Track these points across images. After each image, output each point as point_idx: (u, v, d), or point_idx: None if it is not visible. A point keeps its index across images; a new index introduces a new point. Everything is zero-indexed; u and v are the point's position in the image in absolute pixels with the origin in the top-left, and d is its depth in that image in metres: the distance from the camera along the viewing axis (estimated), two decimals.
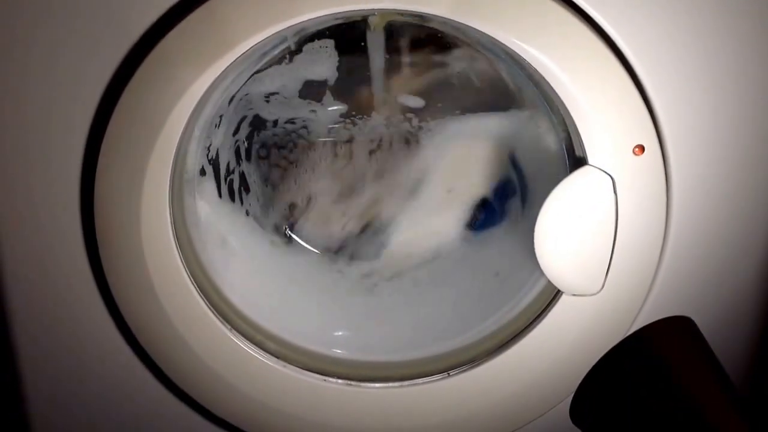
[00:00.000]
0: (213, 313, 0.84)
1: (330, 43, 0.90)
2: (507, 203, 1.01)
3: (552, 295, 0.86)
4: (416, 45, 0.93)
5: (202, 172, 0.91)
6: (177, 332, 0.83)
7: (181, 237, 0.83)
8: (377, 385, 0.89)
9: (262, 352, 0.87)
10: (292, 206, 1.02)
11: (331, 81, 0.93)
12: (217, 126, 0.91)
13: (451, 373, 0.88)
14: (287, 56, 0.90)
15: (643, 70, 0.77)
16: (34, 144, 0.76)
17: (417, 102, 0.97)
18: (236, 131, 0.96)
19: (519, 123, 0.97)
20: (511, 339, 0.87)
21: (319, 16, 0.74)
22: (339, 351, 0.92)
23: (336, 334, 0.95)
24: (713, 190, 0.82)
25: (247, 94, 0.93)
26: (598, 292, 0.82)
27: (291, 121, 0.97)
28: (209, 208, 0.93)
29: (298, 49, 0.90)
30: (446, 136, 0.99)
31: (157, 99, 0.74)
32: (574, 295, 0.83)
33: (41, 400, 0.87)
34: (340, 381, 0.89)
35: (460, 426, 0.88)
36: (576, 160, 0.81)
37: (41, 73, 0.74)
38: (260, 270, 0.97)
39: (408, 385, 0.88)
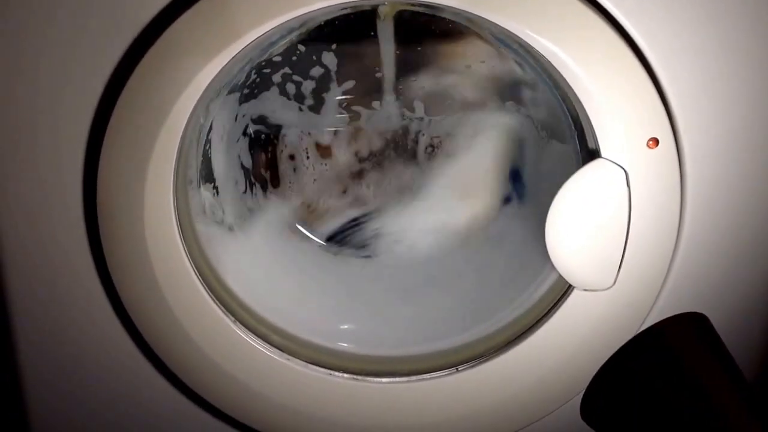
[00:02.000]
0: (217, 305, 0.84)
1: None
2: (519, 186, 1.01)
3: (563, 290, 0.85)
4: (427, 36, 0.93)
5: (207, 162, 0.91)
6: (180, 325, 0.82)
7: (185, 228, 0.83)
8: (384, 380, 0.88)
9: (266, 345, 0.86)
10: (298, 198, 1.01)
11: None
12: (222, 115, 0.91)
13: (460, 368, 0.88)
14: (295, 52, 0.90)
15: (657, 62, 0.76)
16: (36, 135, 0.76)
17: (425, 94, 0.96)
18: (243, 123, 0.96)
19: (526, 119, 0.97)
20: (522, 334, 0.87)
21: (329, 6, 0.73)
22: (345, 345, 0.91)
23: (342, 327, 0.95)
24: (728, 183, 0.81)
25: (253, 88, 0.92)
26: (610, 288, 0.82)
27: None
28: (213, 199, 0.92)
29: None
30: (454, 128, 0.99)
31: (161, 89, 0.74)
32: (585, 290, 0.83)
33: (42, 394, 0.87)
34: (346, 375, 0.88)
35: (469, 422, 0.88)
36: (589, 153, 0.80)
37: (44, 63, 0.73)
38: (265, 262, 0.97)
39: (416, 380, 0.88)
